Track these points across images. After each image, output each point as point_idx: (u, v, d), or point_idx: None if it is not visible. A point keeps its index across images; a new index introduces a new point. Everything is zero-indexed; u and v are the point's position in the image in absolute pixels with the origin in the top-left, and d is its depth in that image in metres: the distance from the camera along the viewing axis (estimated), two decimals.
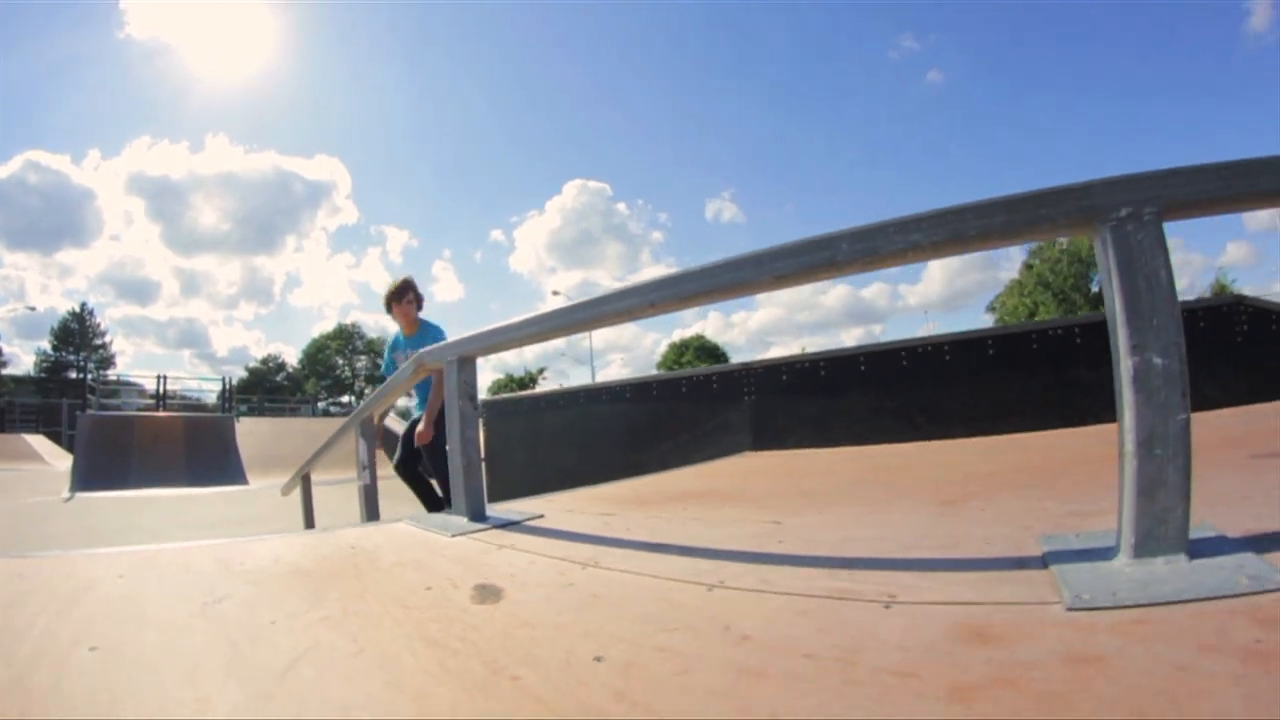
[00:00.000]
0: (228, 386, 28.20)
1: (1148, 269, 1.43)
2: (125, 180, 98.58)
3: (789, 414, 5.78)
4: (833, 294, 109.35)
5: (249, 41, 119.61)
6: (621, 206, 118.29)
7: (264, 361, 70.18)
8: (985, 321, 56.93)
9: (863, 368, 5.69)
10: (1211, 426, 3.90)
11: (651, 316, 2.09)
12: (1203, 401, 4.65)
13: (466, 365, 2.87)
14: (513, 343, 2.71)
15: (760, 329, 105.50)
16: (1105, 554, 1.40)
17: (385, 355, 5.55)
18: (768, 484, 3.96)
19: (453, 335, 3.53)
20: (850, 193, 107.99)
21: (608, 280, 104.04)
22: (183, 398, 31.25)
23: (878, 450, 4.85)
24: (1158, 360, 1.40)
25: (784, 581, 1.50)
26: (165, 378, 25.83)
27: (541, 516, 2.75)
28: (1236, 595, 1.15)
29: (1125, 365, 1.42)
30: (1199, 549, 1.36)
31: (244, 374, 64.83)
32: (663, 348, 70.96)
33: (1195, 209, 1.49)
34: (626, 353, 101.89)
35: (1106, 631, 1.08)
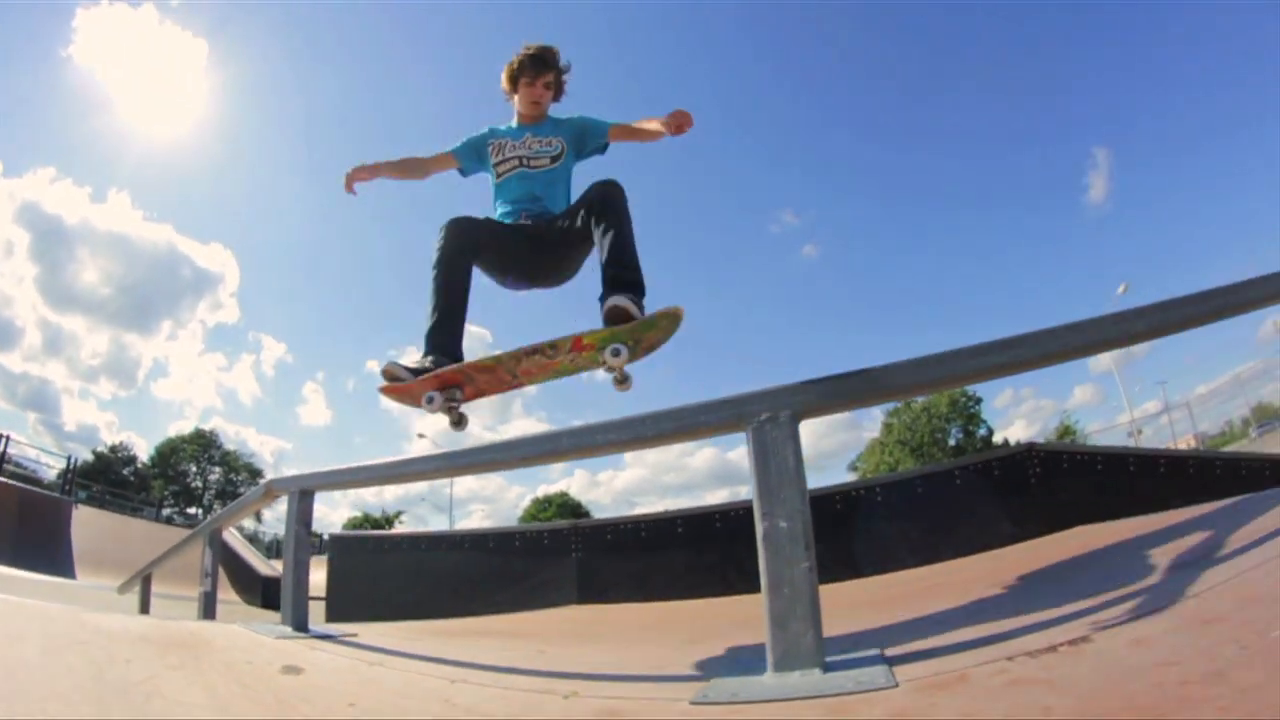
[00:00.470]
0: (71, 467, 25.99)
1: (779, 457, 1.87)
2: (17, 207, 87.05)
3: (612, 570, 6.27)
4: (699, 456, 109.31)
5: (179, 107, 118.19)
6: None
7: (113, 449, 63.46)
8: (848, 479, 57.95)
9: (680, 530, 6.28)
10: (1000, 561, 4.63)
11: (444, 479, 2.79)
12: (1002, 538, 5.57)
13: (306, 498, 3.30)
14: (348, 484, 3.28)
15: (626, 488, 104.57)
16: (760, 670, 1.74)
17: (465, 141, 3.82)
18: (566, 627, 4.52)
19: (306, 468, 3.45)
20: (727, 359, 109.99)
21: (477, 428, 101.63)
22: (18, 465, 28.06)
23: (684, 604, 5.37)
24: (783, 524, 1.79)
25: (509, 682, 2.13)
26: (8, 438, 23.43)
27: (356, 635, 3.17)
28: (833, 695, 1.47)
29: (759, 528, 1.82)
30: (839, 664, 1.68)
31: (90, 457, 58.00)
32: (526, 502, 69.46)
33: (820, 410, 2.07)
34: (489, 504, 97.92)
35: (698, 716, 1.54)
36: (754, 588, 5.49)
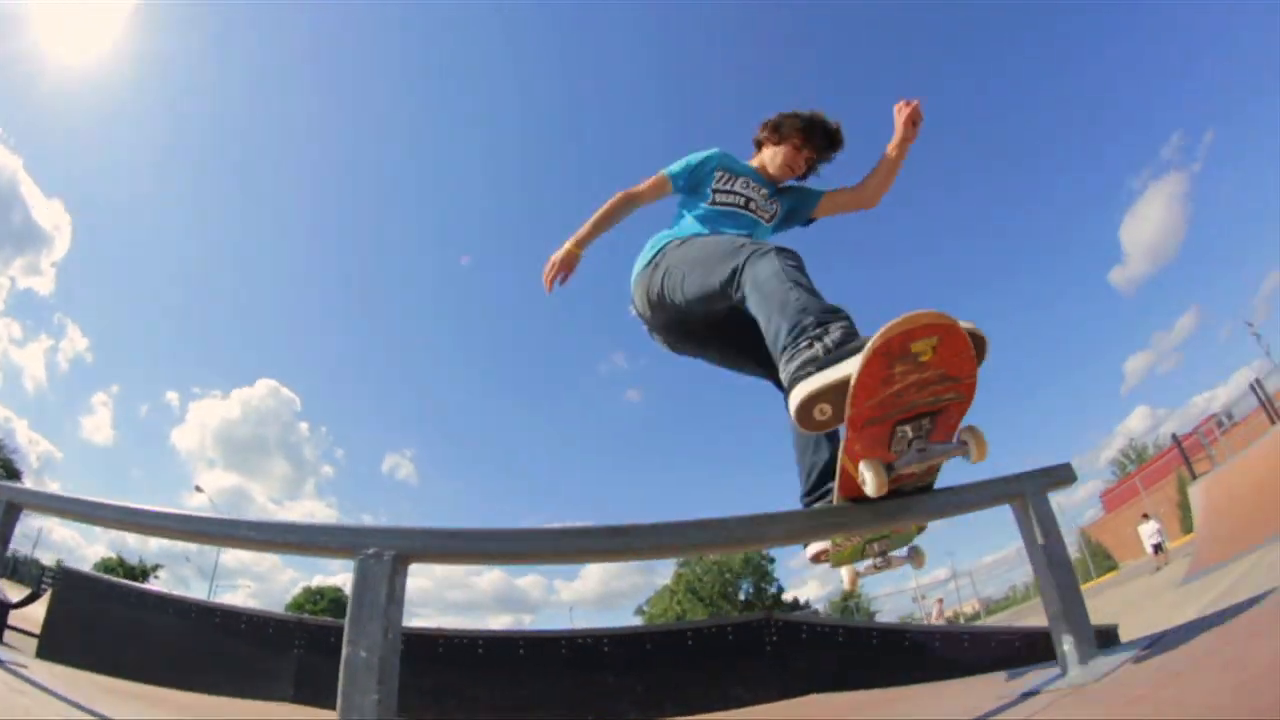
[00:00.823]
0: None
1: (373, 592, 1.98)
2: None
3: (332, 674, 6.08)
4: (486, 577, 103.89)
5: (90, 40, 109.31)
6: (304, 426, 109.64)
7: None
8: (634, 622, 55.81)
9: (404, 648, 6.19)
10: None
11: (142, 534, 2.82)
12: (730, 701, 5.45)
13: (12, 512, 3.05)
14: (62, 513, 3.07)
15: (406, 597, 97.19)
16: None
17: (687, 164, 3.27)
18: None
19: (71, 485, 2.85)
20: (522, 488, 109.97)
21: (262, 498, 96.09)
22: None
23: None
24: (363, 654, 1.91)
25: None
26: None
27: (26, 667, 3.16)
28: None
29: (344, 653, 1.93)
30: None
31: None
32: (298, 589, 63.06)
33: (425, 558, 2.21)
34: (260, 582, 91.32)
35: None
36: (470, 714, 5.35)
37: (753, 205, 3.23)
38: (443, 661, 5.95)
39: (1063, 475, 2.72)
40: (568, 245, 3.09)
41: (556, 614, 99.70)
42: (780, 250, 2.49)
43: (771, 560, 56.95)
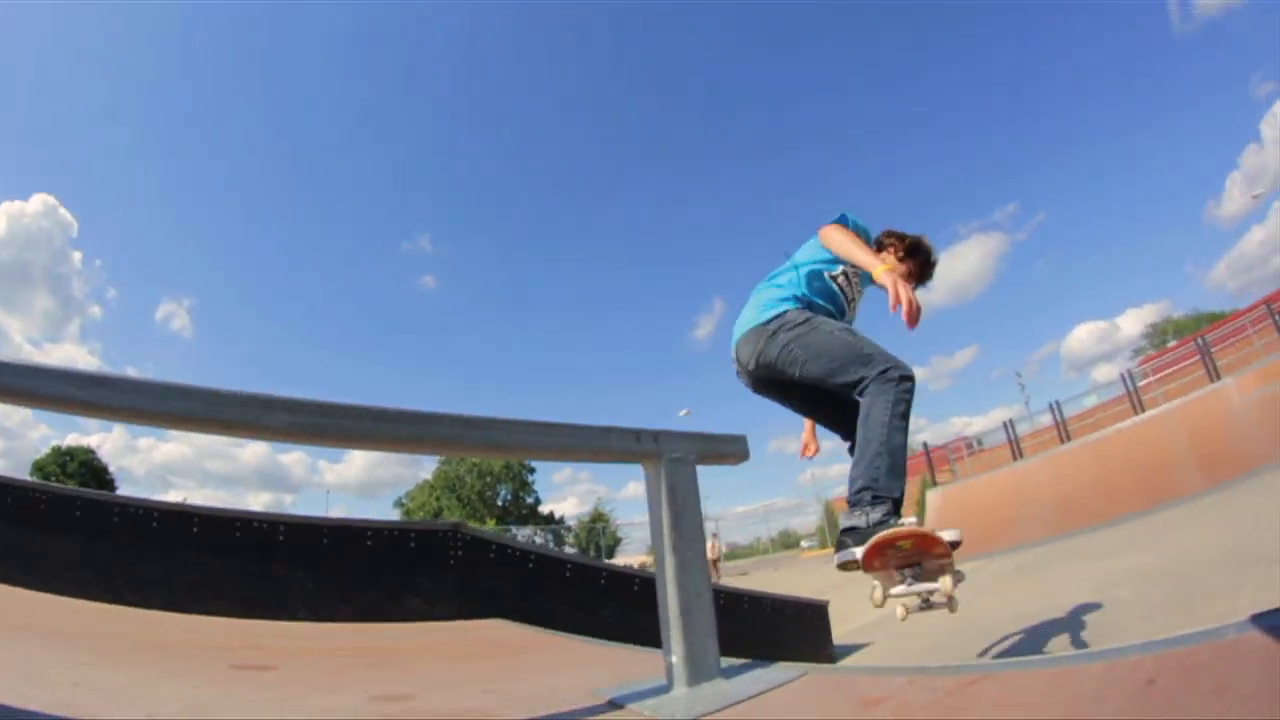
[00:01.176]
0: None
1: None
2: None
3: (21, 542, 5.44)
4: (251, 450, 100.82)
5: None
6: (77, 256, 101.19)
7: None
8: (393, 514, 57.62)
9: (78, 513, 5.61)
10: (377, 637, 4.41)
11: None
12: (407, 613, 5.09)
13: None
14: None
15: (166, 462, 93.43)
16: None
17: (856, 221, 3.41)
18: None
19: None
20: (300, 347, 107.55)
21: (19, 336, 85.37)
22: None
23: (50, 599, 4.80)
24: None
25: None
26: None
27: None
28: None
29: None
30: None
31: None
32: (48, 447, 55.13)
33: None
34: (7, 439, 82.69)
35: None
36: (136, 597, 5.09)
37: (848, 310, 3.47)
38: (114, 534, 5.47)
39: (727, 449, 2.44)
40: (892, 273, 2.78)
41: (317, 495, 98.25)
42: (902, 380, 2.87)
43: (532, 470, 58.65)
